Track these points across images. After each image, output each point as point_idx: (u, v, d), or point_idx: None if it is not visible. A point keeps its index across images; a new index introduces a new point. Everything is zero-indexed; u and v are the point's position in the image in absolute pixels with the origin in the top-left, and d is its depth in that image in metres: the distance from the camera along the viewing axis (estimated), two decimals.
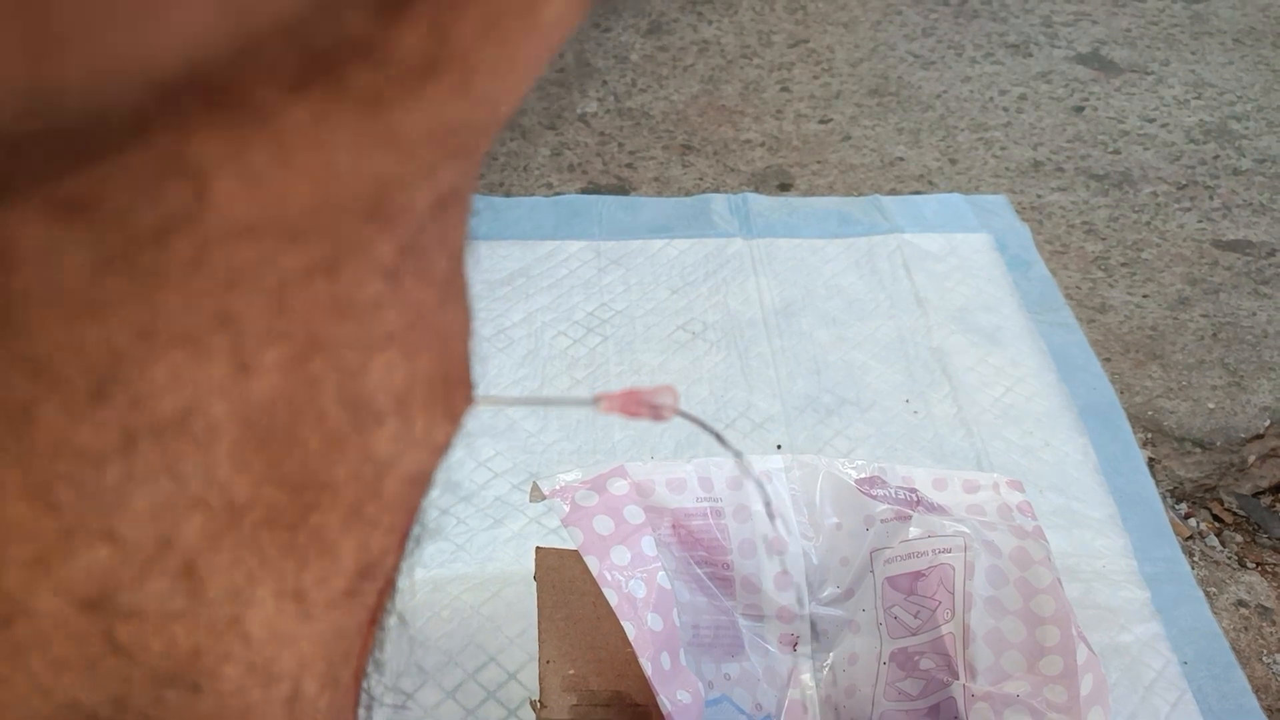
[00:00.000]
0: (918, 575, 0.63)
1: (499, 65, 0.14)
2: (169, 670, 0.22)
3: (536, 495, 0.60)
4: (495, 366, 0.93)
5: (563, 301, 1.00)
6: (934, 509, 0.65)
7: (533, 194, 1.13)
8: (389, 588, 0.27)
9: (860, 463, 0.67)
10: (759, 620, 0.65)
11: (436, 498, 0.79)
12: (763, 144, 1.23)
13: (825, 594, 0.65)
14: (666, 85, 1.32)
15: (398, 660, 0.71)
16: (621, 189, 1.15)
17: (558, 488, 0.60)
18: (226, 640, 0.22)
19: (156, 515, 0.18)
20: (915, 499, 0.65)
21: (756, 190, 1.15)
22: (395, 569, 0.27)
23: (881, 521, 0.64)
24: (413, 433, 0.21)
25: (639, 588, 0.57)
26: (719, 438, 0.30)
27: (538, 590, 0.63)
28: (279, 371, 0.17)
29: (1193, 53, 1.43)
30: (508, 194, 1.13)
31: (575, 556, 0.58)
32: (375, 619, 0.27)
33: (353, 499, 0.21)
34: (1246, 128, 1.29)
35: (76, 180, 0.12)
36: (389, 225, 0.16)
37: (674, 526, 0.63)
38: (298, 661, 0.24)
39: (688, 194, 1.14)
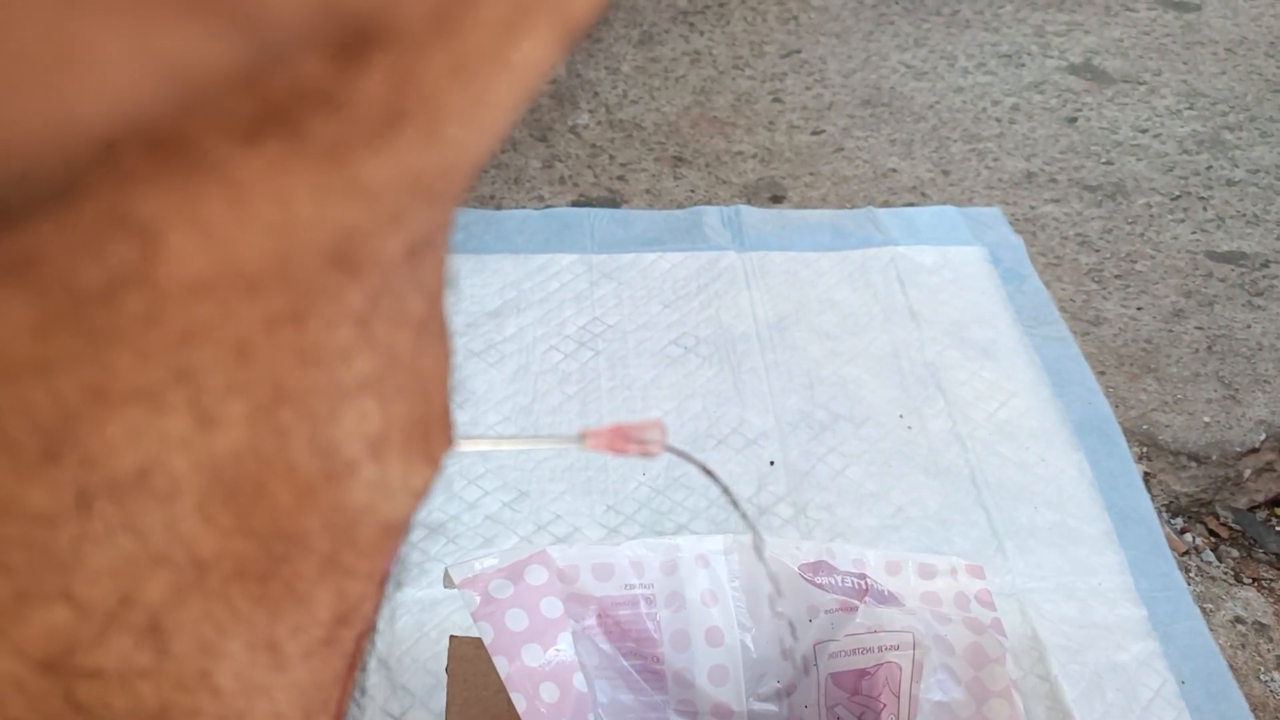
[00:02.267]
0: (863, 673, 0.59)
1: (469, 110, 0.14)
2: None
3: (448, 583, 0.56)
4: (485, 382, 0.92)
5: (554, 315, 0.99)
6: (884, 599, 0.61)
7: (524, 206, 1.12)
8: (368, 632, 0.27)
9: (807, 545, 0.63)
10: (693, 717, 0.60)
11: (425, 516, 0.78)
12: (755, 155, 1.23)
13: (764, 689, 0.61)
14: (658, 96, 1.32)
15: (386, 683, 0.70)
16: (613, 201, 1.14)
17: (470, 576, 0.56)
18: (196, 695, 0.21)
19: (117, 574, 0.18)
20: (864, 587, 0.61)
21: (749, 202, 1.15)
22: (374, 613, 0.26)
23: (826, 612, 0.60)
24: (389, 479, 0.20)
25: (551, 691, 0.53)
26: (709, 473, 0.29)
27: (448, 683, 0.58)
28: (244, 424, 0.17)
29: (1185, 63, 1.43)
30: (498, 207, 1.12)
31: None
32: (354, 664, 0.26)
33: (327, 548, 0.20)
34: (1239, 138, 1.28)
35: (11, 241, 0.11)
36: (357, 273, 0.15)
37: (599, 616, 0.59)
38: (272, 713, 0.23)
39: (679, 206, 1.14)
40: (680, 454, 0.28)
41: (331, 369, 0.17)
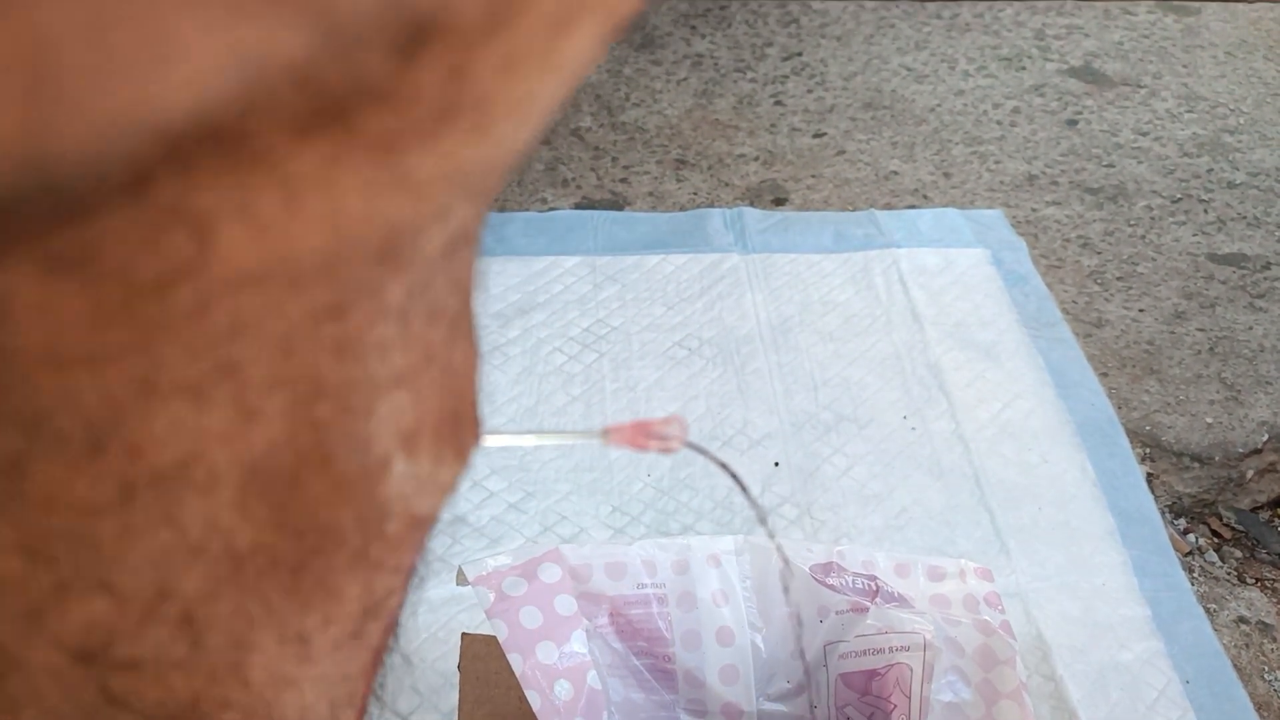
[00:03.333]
0: (873, 674, 0.59)
1: (517, 106, 0.14)
2: (165, 718, 0.21)
3: (461, 580, 0.56)
4: (490, 384, 0.92)
5: (558, 318, 0.99)
6: (893, 600, 0.61)
7: (527, 209, 1.13)
8: (393, 626, 0.27)
9: (818, 546, 0.63)
10: (702, 716, 0.60)
11: None
12: (757, 158, 1.23)
13: (774, 689, 0.61)
14: (660, 99, 1.32)
15: (394, 682, 0.70)
16: (616, 204, 1.15)
17: (484, 574, 0.56)
18: (226, 686, 0.22)
19: (155, 565, 0.18)
20: (874, 588, 0.61)
21: (751, 204, 1.15)
22: (399, 608, 0.26)
23: (836, 613, 0.60)
24: (419, 474, 0.20)
25: (565, 689, 0.53)
26: (728, 470, 0.29)
27: (460, 681, 0.58)
28: (283, 418, 0.17)
29: (1184, 66, 1.43)
30: (502, 209, 1.12)
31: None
32: (379, 659, 0.26)
33: (358, 542, 0.21)
34: (1239, 141, 1.29)
35: (73, 234, 0.11)
36: (400, 268, 0.16)
37: (611, 615, 0.59)
38: (299, 705, 0.24)
39: (682, 209, 1.14)
40: (700, 450, 0.29)
41: (369, 364, 0.17)
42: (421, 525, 0.22)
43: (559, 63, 0.14)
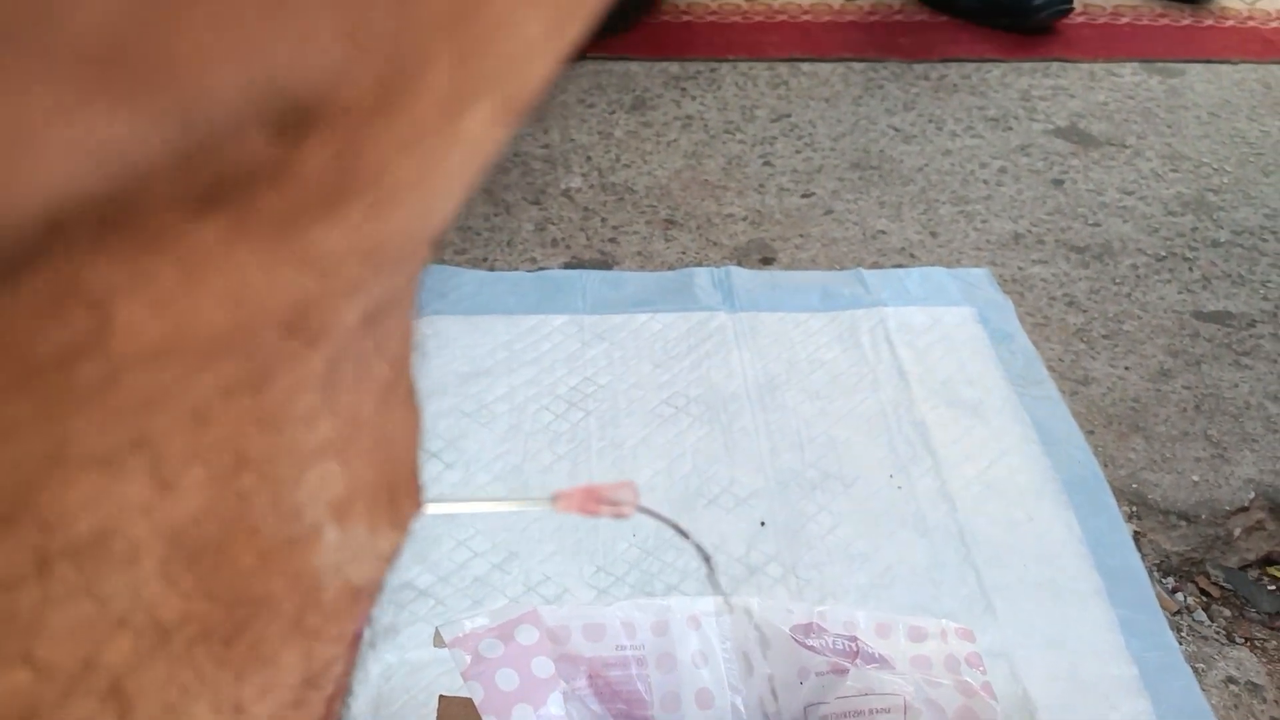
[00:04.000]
0: None
1: (419, 181, 0.14)
2: None
3: (438, 642, 0.56)
4: (477, 442, 0.92)
5: (546, 376, 0.99)
6: (874, 660, 0.61)
7: (516, 269, 1.13)
8: (340, 695, 0.27)
9: (797, 606, 0.63)
10: None
11: (414, 578, 0.77)
12: (745, 218, 1.24)
13: None
14: (650, 160, 1.33)
15: None
16: (605, 263, 1.15)
17: (461, 635, 0.56)
18: None
19: (78, 637, 0.18)
20: (854, 649, 0.61)
21: (739, 264, 1.16)
22: (346, 675, 0.26)
23: (817, 674, 0.60)
24: (354, 543, 0.20)
25: None
26: (681, 532, 0.29)
27: None
28: (205, 488, 0.17)
29: (1168, 126, 1.45)
30: (492, 268, 1.13)
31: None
32: None
33: (292, 611, 0.21)
34: (1223, 200, 1.30)
35: None
36: (315, 341, 0.16)
37: (590, 677, 0.59)
38: None
39: (670, 268, 1.15)
40: (654, 514, 0.29)
41: (293, 434, 0.17)
42: (361, 594, 0.22)
43: (460, 141, 0.14)
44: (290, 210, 0.13)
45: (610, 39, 1.56)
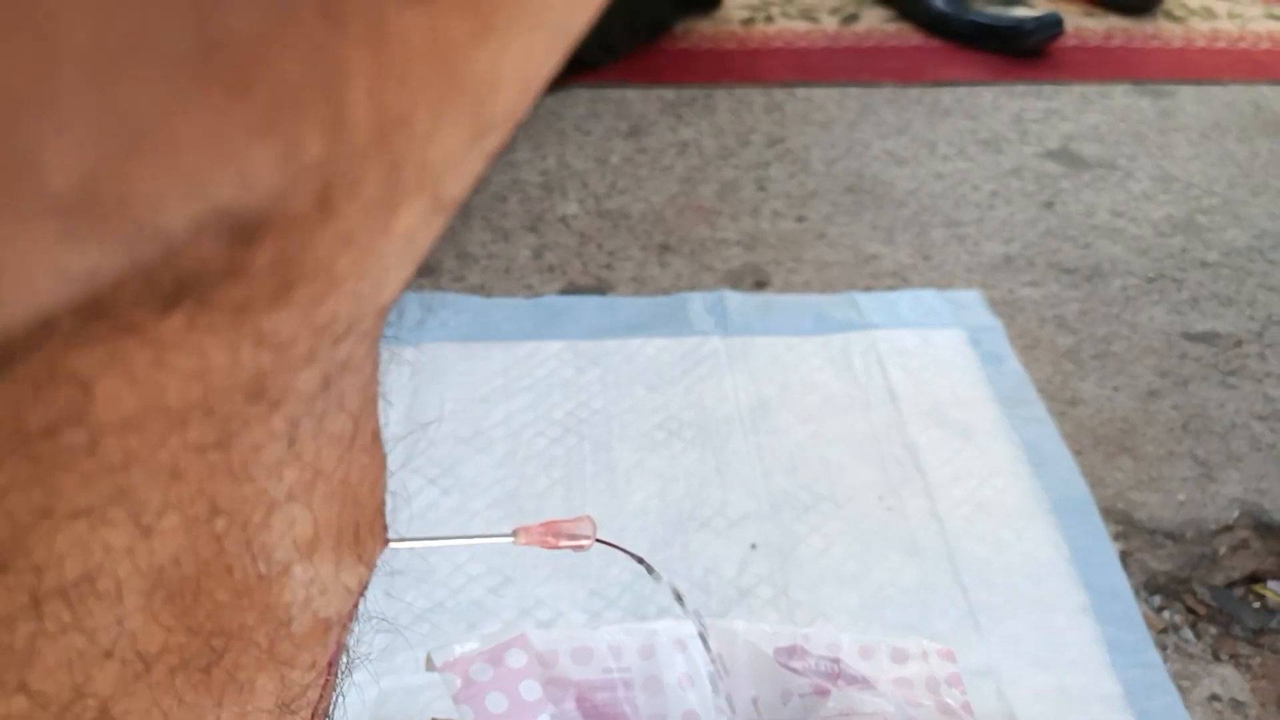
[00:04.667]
0: None
1: (361, 271, 0.16)
2: None
3: (429, 666, 0.57)
4: (474, 468, 0.94)
5: (541, 401, 1.01)
6: (856, 681, 0.62)
7: (513, 295, 1.16)
8: (319, 717, 0.28)
9: (780, 629, 0.64)
10: None
11: (411, 603, 0.79)
12: (739, 242, 1.26)
13: None
14: (645, 186, 1.35)
15: None
16: (600, 289, 1.17)
17: (451, 659, 0.57)
18: None
19: (69, 667, 0.20)
20: (837, 671, 0.62)
21: (733, 288, 1.18)
22: (325, 700, 0.28)
23: (800, 696, 0.61)
24: (321, 578, 0.22)
25: None
26: (644, 564, 0.31)
27: None
28: (181, 532, 0.19)
29: (1160, 148, 1.47)
30: (489, 295, 1.15)
31: None
32: None
33: (265, 641, 0.23)
34: (1212, 221, 1.32)
35: None
36: (276, 405, 0.18)
37: (578, 700, 0.60)
38: None
39: (665, 293, 1.17)
40: (614, 546, 0.30)
41: (261, 483, 0.19)
42: (330, 625, 0.24)
43: (394, 236, 0.16)
44: (245, 300, 0.15)
45: (604, 67, 1.59)
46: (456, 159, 0.15)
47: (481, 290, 1.16)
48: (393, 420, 1.02)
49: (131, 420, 0.15)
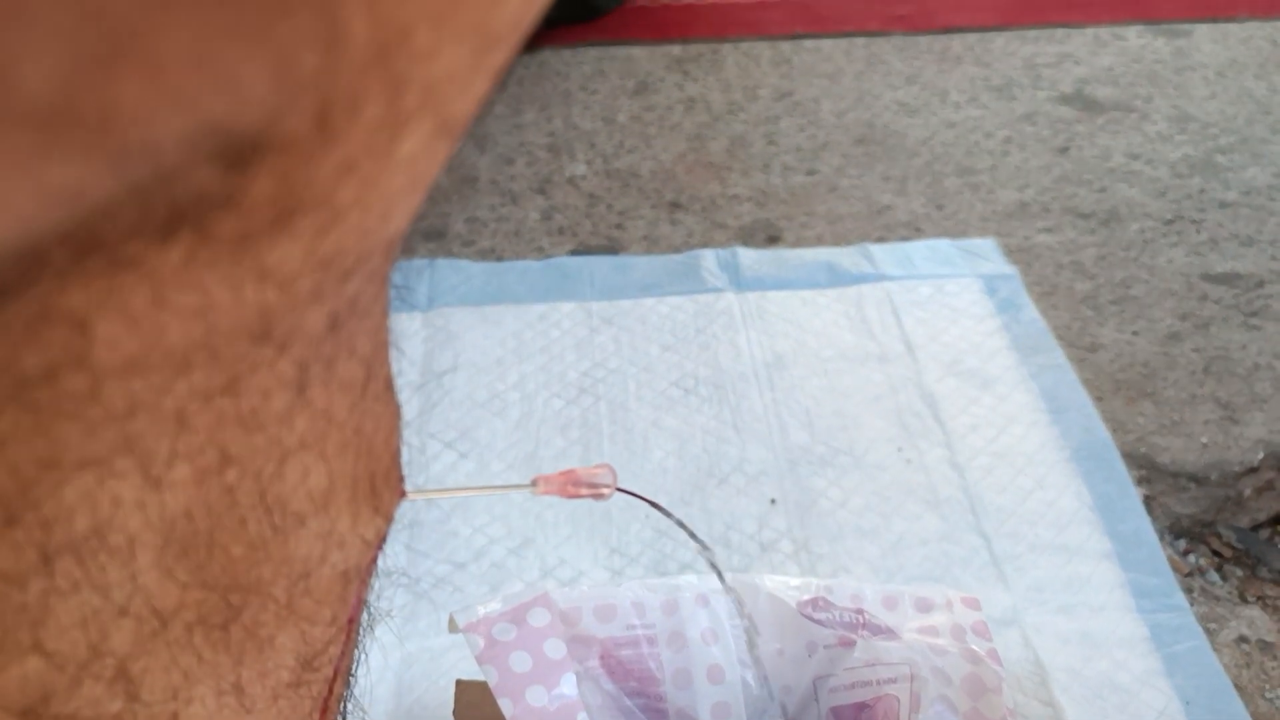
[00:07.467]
0: (862, 706, 0.60)
1: (366, 200, 0.15)
2: None
3: (453, 628, 0.57)
4: (490, 431, 0.94)
5: (556, 363, 1.01)
6: (880, 632, 0.62)
7: (524, 258, 1.15)
8: (341, 677, 0.28)
9: (804, 581, 0.64)
10: None
11: (432, 566, 0.79)
12: (750, 198, 1.25)
13: None
14: (654, 144, 1.34)
15: None
16: (611, 249, 1.17)
17: (474, 620, 0.57)
18: None
19: (84, 625, 0.19)
20: (861, 621, 0.62)
21: (745, 244, 1.17)
22: (346, 657, 0.28)
23: (825, 647, 0.61)
24: (338, 531, 0.22)
25: None
26: (664, 511, 0.31)
27: None
28: (192, 484, 0.18)
29: (1175, 88, 1.44)
30: (499, 259, 1.15)
31: None
32: (328, 707, 0.28)
33: (283, 596, 0.22)
34: (1231, 160, 1.30)
35: None
36: (283, 347, 0.17)
37: (602, 657, 0.60)
38: None
39: (677, 251, 1.16)
40: (634, 495, 0.30)
41: (272, 431, 0.19)
42: (349, 578, 0.23)
43: (399, 163, 0.15)
44: (245, 232, 0.14)
45: (603, 18, 1.57)
46: (461, 77, 0.15)
47: (492, 254, 1.16)
48: (406, 370, 1.01)
49: (133, 363, 0.15)
